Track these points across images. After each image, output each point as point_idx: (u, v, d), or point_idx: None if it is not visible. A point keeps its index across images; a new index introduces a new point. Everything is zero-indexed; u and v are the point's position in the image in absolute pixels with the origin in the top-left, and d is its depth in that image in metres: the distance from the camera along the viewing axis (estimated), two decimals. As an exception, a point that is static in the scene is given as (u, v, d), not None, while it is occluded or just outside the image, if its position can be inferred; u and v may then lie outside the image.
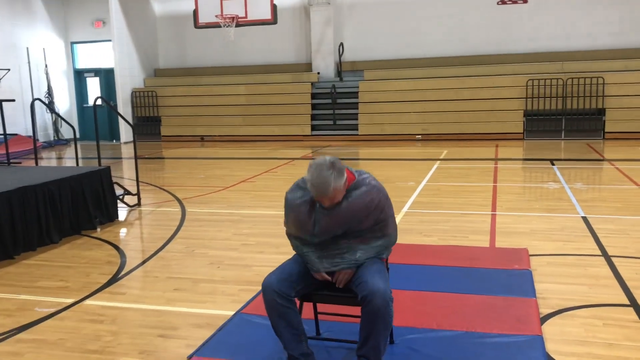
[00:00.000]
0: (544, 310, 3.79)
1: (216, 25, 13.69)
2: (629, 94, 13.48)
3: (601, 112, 13.68)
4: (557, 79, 13.78)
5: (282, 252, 5.17)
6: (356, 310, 2.99)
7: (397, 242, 4.71)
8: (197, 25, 14.70)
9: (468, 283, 4.30)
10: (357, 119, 14.91)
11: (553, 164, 10.00)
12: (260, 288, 3.74)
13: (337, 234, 2.94)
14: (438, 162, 10.61)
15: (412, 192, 7.72)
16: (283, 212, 3.19)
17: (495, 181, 8.51)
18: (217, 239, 5.83)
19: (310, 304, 3.32)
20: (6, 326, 3.83)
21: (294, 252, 3.14)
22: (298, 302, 3.07)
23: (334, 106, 15.13)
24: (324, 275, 2.96)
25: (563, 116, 13.86)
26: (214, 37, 16.27)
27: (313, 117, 15.37)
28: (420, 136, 14.33)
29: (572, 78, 13.65)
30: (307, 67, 16.08)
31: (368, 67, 15.58)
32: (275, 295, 2.85)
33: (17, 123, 13.40)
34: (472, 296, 4.02)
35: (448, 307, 3.83)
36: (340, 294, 2.99)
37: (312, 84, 15.53)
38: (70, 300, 4.25)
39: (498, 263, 4.73)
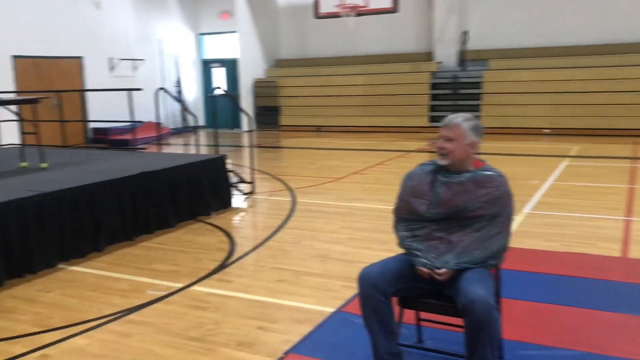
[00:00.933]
0: (686, 336, 3.29)
1: (336, 15, 13.66)
2: None
3: None
4: None
5: (389, 249, 4.97)
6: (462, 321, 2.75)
7: (515, 245, 4.34)
8: (317, 15, 14.80)
9: (594, 297, 3.86)
10: (479, 111, 14.24)
11: None
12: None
13: (453, 211, 2.76)
14: (567, 159, 9.81)
15: (535, 192, 7.18)
16: (391, 208, 3.03)
17: (631, 183, 7.69)
18: (324, 231, 5.76)
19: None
20: (120, 306, 4.00)
21: (400, 251, 2.95)
22: (398, 308, 2.89)
23: (454, 97, 14.55)
24: (427, 270, 2.74)
25: None
26: (333, 27, 16.27)
27: (432, 108, 14.89)
28: (548, 130, 13.38)
29: None
30: (427, 56, 15.60)
31: (494, 56, 14.80)
32: (372, 289, 2.69)
33: (149, 111, 14.22)
34: (598, 312, 3.60)
35: (569, 323, 3.45)
36: (444, 303, 2.75)
37: (431, 73, 15.05)
38: (179, 285, 4.37)
39: (631, 276, 4.22)
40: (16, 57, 12.06)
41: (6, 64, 11.88)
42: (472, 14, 15.10)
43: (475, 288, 2.54)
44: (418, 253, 2.80)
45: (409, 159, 10.31)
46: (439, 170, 2.88)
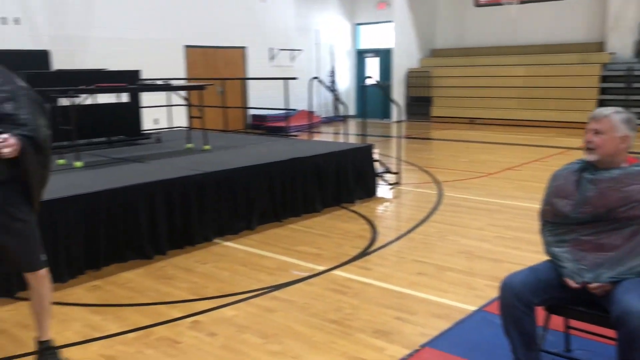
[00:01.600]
0: None
1: (497, 3, 13.05)
2: None
3: None
4: None
5: (539, 251, 4.63)
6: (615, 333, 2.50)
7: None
8: (477, 3, 14.26)
9: None
10: (656, 107, 12.82)
11: None
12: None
13: (601, 212, 2.52)
14: None
15: None
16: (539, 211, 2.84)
17: None
18: (470, 227, 5.57)
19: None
20: (266, 282, 4.22)
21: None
22: (544, 313, 2.70)
23: (628, 91, 13.24)
24: (574, 285, 2.52)
25: None
26: (494, 15, 15.57)
27: (600, 103, 13.67)
28: None
29: None
30: (598, 46, 14.32)
31: (677, 46, 13.21)
32: (515, 299, 2.55)
33: (304, 99, 14.75)
34: None
35: None
36: (596, 312, 2.53)
37: (602, 65, 13.81)
38: (321, 268, 4.50)
39: None
40: (187, 47, 13.12)
41: (179, 54, 12.98)
42: (655, -1, 13.58)
43: (631, 298, 2.30)
44: (565, 264, 2.58)
45: (571, 156, 9.58)
46: (586, 168, 2.64)
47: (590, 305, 2.56)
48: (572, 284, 2.53)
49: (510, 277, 2.63)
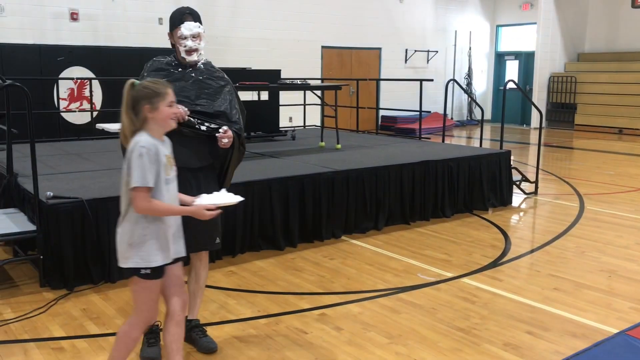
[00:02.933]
0: None
1: (658, 3, 11.92)
2: None
3: None
4: None
5: (697, 276, 4.24)
6: None
7: None
8: (635, 4, 13.15)
9: None
10: None
11: None
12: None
13: None
14: None
15: None
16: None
17: None
18: (614, 244, 5.16)
19: None
20: (391, 283, 4.22)
21: None
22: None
23: None
24: None
25: None
26: (653, 16, 14.28)
27: None
28: None
29: None
30: None
31: None
32: None
33: (438, 101, 14.52)
34: None
35: None
36: None
37: None
38: (449, 274, 4.41)
39: None
40: (324, 48, 13.44)
41: (316, 54, 13.34)
42: None
43: None
44: None
45: None
46: None
47: None
48: None
49: None
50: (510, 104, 15.50)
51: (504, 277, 4.38)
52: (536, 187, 7.21)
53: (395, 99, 13.86)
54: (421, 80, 8.35)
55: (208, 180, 3.05)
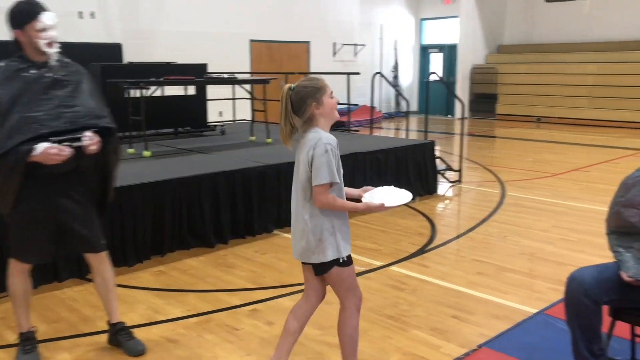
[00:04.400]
0: None
1: (569, -2, 12.57)
2: None
3: None
4: None
5: (606, 255, 4.47)
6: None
7: None
8: (548, -2, 13.76)
9: None
10: None
11: None
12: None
13: None
14: None
15: None
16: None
17: None
18: (533, 228, 5.43)
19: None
20: (323, 275, 4.26)
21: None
22: (609, 320, 2.62)
23: None
24: (627, 278, 2.45)
25: None
26: (565, 11, 15.04)
27: (678, 103, 13.00)
28: None
29: None
30: (679, 43, 13.60)
31: None
32: (583, 294, 2.48)
33: (367, 94, 14.70)
34: None
35: None
36: (667, 321, 2.43)
37: (682, 63, 13.10)
38: (379, 263, 4.50)
39: None
40: (252, 41, 13.33)
41: (244, 48, 13.21)
42: None
43: None
44: (625, 259, 2.50)
45: (643, 158, 9.17)
46: None
47: (660, 313, 2.46)
48: (625, 277, 2.46)
49: (579, 271, 2.57)
50: (436, 96, 15.96)
51: (430, 264, 4.52)
52: (460, 176, 7.46)
53: (325, 92, 13.94)
54: (348, 74, 8.44)
55: (74, 184, 2.90)
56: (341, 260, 2.53)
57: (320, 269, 2.56)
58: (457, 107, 15.96)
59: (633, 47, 14.11)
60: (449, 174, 7.40)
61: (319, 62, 14.69)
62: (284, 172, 5.38)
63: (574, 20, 15.13)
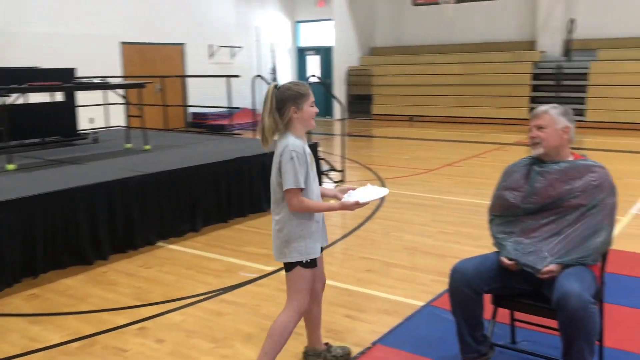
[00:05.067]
0: None
1: (434, 3, 13.34)
2: None
3: None
4: None
5: (480, 244, 4.83)
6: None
7: (619, 248, 4.08)
8: (415, 2, 14.49)
9: None
10: (584, 104, 13.45)
11: None
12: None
13: (547, 201, 2.65)
14: (682, 157, 9.07)
15: (644, 191, 6.69)
16: (485, 202, 2.94)
17: None
18: (414, 223, 5.67)
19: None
20: (213, 285, 4.15)
21: (493, 249, 2.84)
22: (491, 307, 2.79)
23: (557, 88, 13.83)
24: (507, 262, 2.64)
25: None
26: (431, 14, 15.92)
27: (532, 100, 14.23)
28: (660, 126, 12.41)
29: None
30: (530, 45, 14.89)
31: (603, 46, 13.88)
32: (466, 285, 2.62)
33: (246, 97, 14.61)
34: None
35: (680, 336, 3.18)
36: (540, 304, 2.62)
37: (533, 63, 14.37)
38: (270, 269, 4.46)
39: None
40: (123, 44, 12.74)
41: (115, 50, 12.59)
42: (580, 1, 14.23)
43: (570, 282, 2.41)
44: (507, 246, 2.69)
45: (507, 152, 9.92)
46: (535, 162, 2.77)
47: (536, 297, 2.66)
48: (505, 260, 2.64)
49: (462, 263, 2.71)
50: (315, 97, 16.17)
51: (321, 265, 4.55)
52: (343, 176, 7.62)
53: (204, 96, 13.63)
54: (227, 77, 8.32)
55: None
56: (304, 262, 2.65)
57: (287, 267, 2.70)
58: (336, 108, 16.34)
59: (493, 48, 15.26)
60: (332, 174, 7.54)
61: (195, 64, 14.37)
62: (165, 181, 5.18)
63: (439, 24, 16.05)
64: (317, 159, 6.95)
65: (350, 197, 2.69)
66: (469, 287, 2.62)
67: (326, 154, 8.93)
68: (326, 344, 3.07)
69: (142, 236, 4.98)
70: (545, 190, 2.67)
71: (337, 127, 14.55)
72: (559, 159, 2.71)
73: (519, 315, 3.03)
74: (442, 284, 4.01)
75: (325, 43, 17.25)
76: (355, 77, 16.68)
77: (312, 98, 2.65)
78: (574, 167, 2.66)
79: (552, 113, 2.71)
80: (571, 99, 13.48)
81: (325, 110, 16.97)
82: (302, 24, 17.89)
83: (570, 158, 2.73)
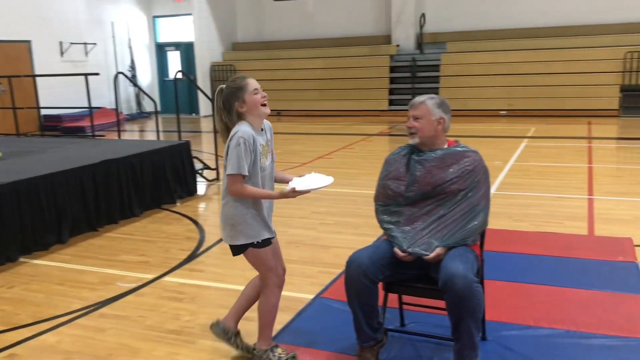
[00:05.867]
0: (658, 311, 3.39)
1: (295, -2, 13.45)
2: None
3: None
4: (660, 50, 12.66)
5: (361, 233, 4.97)
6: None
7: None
8: (275, -3, 14.50)
9: (566, 275, 3.94)
10: (438, 94, 14.35)
11: (655, 144, 9.20)
12: (339, 271, 3.60)
13: (428, 189, 2.77)
14: (526, 140, 10.01)
15: (499, 172, 7.29)
16: (360, 192, 3.01)
17: (590, 162, 7.90)
18: (295, 217, 5.70)
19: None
20: (90, 300, 3.85)
21: (373, 235, 2.92)
22: (383, 293, 2.86)
23: (413, 80, 14.64)
24: (402, 254, 2.73)
25: (665, 91, 12.75)
26: (292, 9, 16.09)
27: (391, 92, 14.95)
28: (505, 112, 13.63)
29: (678, 50, 12.50)
30: (386, 39, 15.61)
31: (451, 38, 14.92)
32: (362, 275, 2.66)
33: (103, 96, 13.78)
34: (572, 290, 3.68)
35: (546, 302, 3.51)
36: (428, 286, 2.74)
37: (390, 56, 15.08)
38: (150, 276, 4.24)
39: (599, 253, 4.33)
40: (-42, 41, 11.44)
41: (-52, 48, 11.26)
42: (430, -3, 15.16)
43: (455, 264, 2.54)
44: (396, 237, 2.79)
45: (373, 142, 10.31)
46: (413, 151, 2.89)
47: (426, 281, 2.77)
48: (399, 253, 2.73)
49: (357, 254, 2.74)
50: (179, 94, 15.70)
51: (205, 267, 4.42)
52: (217, 174, 7.46)
53: (56, 96, 12.63)
54: (85, 75, 7.77)
55: None
56: (255, 243, 2.72)
57: (235, 250, 2.78)
58: (202, 105, 15.96)
59: (352, 42, 15.76)
60: (206, 172, 7.35)
61: (44, 63, 13.28)
62: (23, 190, 4.72)
63: (299, 19, 16.27)
64: (191, 158, 6.73)
65: (295, 184, 2.69)
66: (366, 277, 2.66)
67: (197, 152, 8.68)
68: (237, 332, 3.06)
69: (1, 253, 4.49)
70: (424, 178, 2.79)
71: (203, 124, 14.24)
72: (435, 147, 2.84)
73: (406, 298, 3.14)
74: (329, 275, 4.06)
75: (185, 39, 16.77)
76: (219, 72, 16.42)
77: (252, 86, 2.68)
78: (450, 154, 2.81)
79: (429, 104, 2.82)
80: (426, 90, 14.31)
81: (190, 107, 16.54)
82: (160, 19, 17.22)
83: (445, 145, 2.87)
